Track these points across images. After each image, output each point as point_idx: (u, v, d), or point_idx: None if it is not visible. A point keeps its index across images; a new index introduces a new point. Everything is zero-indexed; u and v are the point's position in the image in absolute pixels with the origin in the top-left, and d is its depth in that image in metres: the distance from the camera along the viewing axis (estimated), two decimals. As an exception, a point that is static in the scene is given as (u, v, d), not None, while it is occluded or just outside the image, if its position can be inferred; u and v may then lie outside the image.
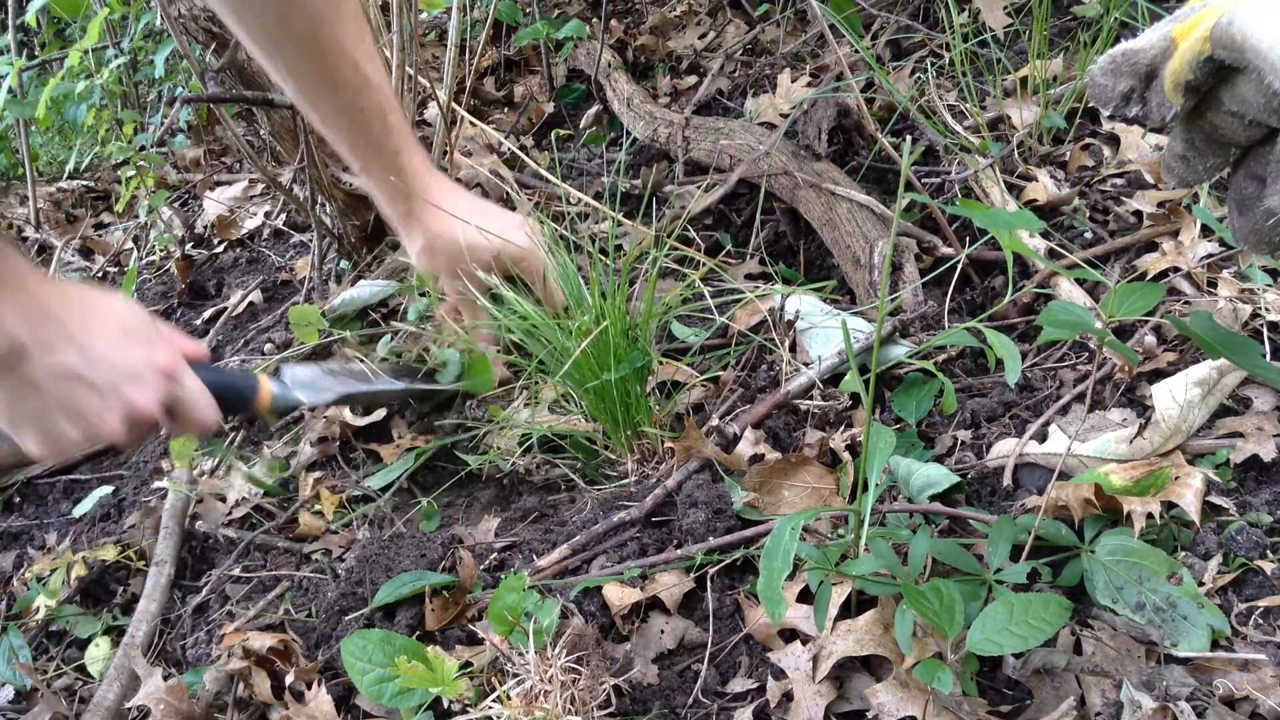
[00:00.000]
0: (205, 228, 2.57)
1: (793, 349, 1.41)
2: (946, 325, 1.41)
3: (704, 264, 1.61)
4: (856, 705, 0.94)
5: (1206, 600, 0.93)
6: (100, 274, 2.57)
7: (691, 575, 1.10)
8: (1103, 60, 0.68)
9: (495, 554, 1.21)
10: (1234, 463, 1.08)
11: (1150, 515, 1.00)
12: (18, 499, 1.73)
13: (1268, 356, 1.19)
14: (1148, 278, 1.35)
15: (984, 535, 1.06)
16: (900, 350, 1.36)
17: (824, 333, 1.41)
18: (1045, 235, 1.49)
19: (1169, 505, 1.02)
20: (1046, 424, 1.20)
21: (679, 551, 1.11)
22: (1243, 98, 0.61)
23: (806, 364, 1.38)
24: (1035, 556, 1.01)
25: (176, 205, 2.74)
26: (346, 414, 1.59)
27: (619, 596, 1.08)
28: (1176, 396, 1.10)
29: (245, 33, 1.19)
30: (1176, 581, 0.94)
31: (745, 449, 1.24)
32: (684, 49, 2.55)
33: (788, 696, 0.95)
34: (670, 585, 1.09)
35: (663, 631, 1.07)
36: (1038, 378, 1.29)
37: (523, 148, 2.28)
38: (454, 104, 2.07)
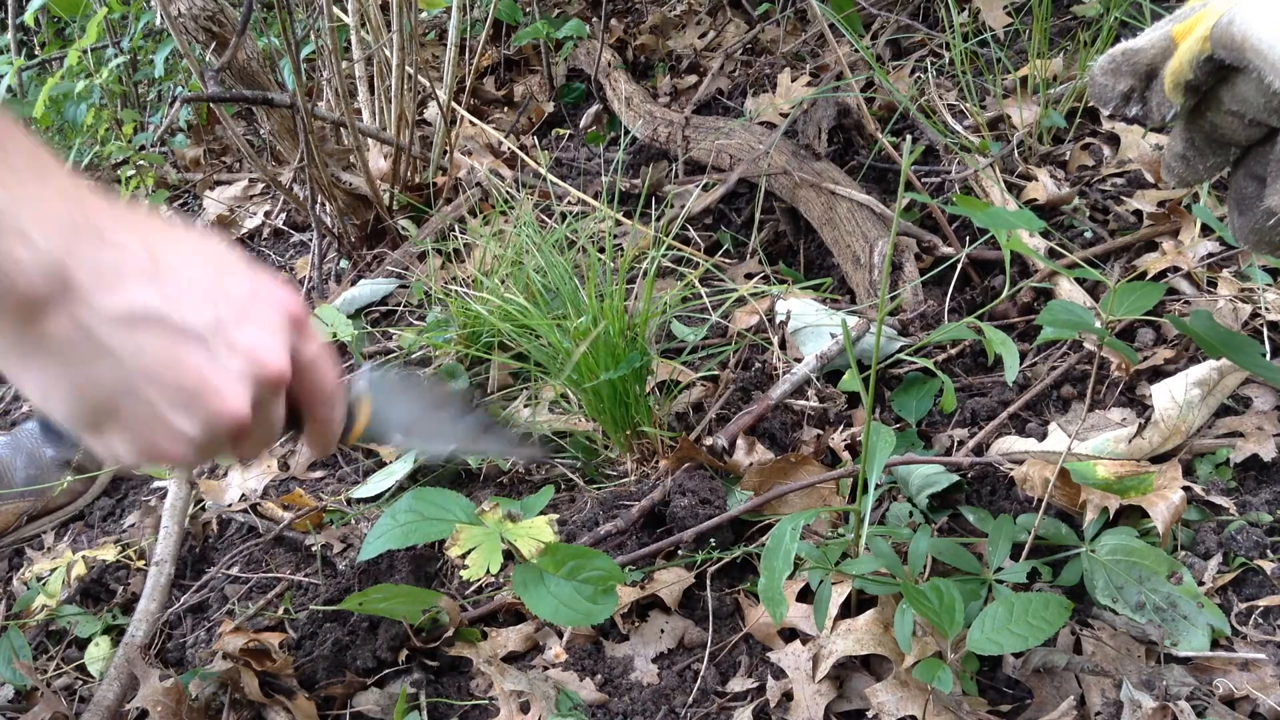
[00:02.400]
0: (205, 227, 2.57)
1: (783, 347, 1.42)
2: (946, 324, 1.41)
3: (703, 263, 1.61)
4: (856, 705, 0.94)
5: (1206, 600, 0.93)
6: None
7: (692, 573, 1.10)
8: (1103, 60, 0.67)
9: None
10: (1234, 462, 1.08)
11: (1121, 508, 1.00)
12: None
13: (1268, 356, 1.19)
14: (1148, 277, 1.35)
15: (984, 534, 1.06)
16: (892, 345, 1.36)
17: (814, 331, 1.41)
18: (1045, 235, 1.49)
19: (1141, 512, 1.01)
20: (1046, 422, 1.20)
21: (671, 540, 1.11)
22: (1243, 97, 0.61)
23: (798, 359, 1.38)
24: (1035, 556, 1.01)
25: (176, 205, 2.74)
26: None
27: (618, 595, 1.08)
28: (1176, 396, 1.10)
29: None
30: (1176, 581, 0.94)
31: (741, 457, 1.24)
32: (684, 48, 2.55)
33: (788, 696, 0.95)
34: (670, 583, 1.09)
35: (663, 631, 1.07)
36: (1038, 376, 1.29)
37: (523, 147, 2.28)
38: (454, 103, 2.07)
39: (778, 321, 1.43)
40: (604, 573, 0.90)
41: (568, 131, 2.39)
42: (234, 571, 1.35)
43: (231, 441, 0.58)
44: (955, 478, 1.12)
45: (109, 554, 1.41)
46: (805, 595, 1.04)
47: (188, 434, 0.55)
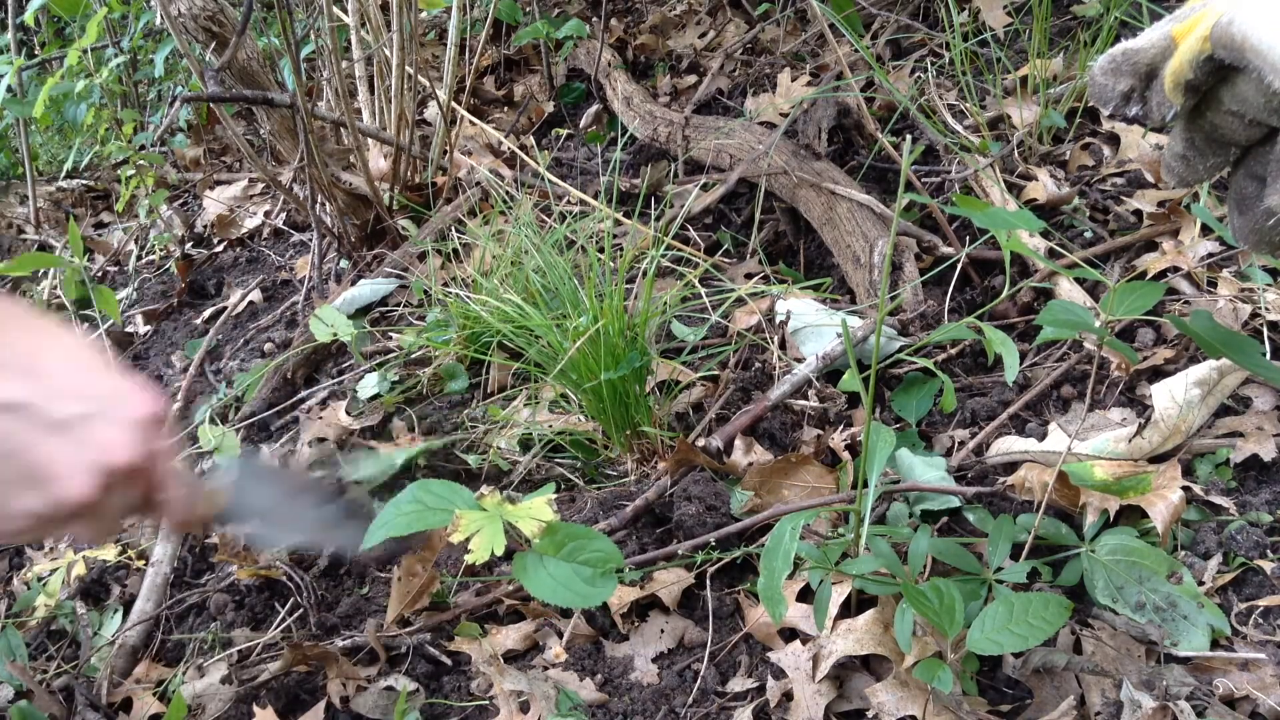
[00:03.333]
0: (205, 227, 2.57)
1: (783, 347, 1.42)
2: (946, 324, 1.41)
3: (703, 263, 1.61)
4: (856, 704, 0.94)
5: (1206, 600, 0.93)
6: (100, 274, 2.57)
7: (692, 573, 1.10)
8: (1103, 60, 0.67)
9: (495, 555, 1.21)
10: (1234, 462, 1.08)
11: (1121, 508, 1.00)
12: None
13: (1268, 356, 1.19)
14: (1148, 277, 1.35)
15: (984, 534, 1.06)
16: (892, 345, 1.36)
17: (814, 331, 1.41)
18: (1045, 234, 1.49)
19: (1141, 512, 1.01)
20: (1046, 422, 1.20)
21: (671, 548, 1.11)
22: (1243, 97, 0.61)
23: (798, 360, 1.38)
24: (1035, 556, 1.01)
25: (176, 205, 2.74)
26: (342, 414, 1.59)
27: (617, 596, 1.08)
28: (1176, 396, 1.10)
29: None
30: (1176, 581, 0.94)
31: (739, 457, 1.24)
32: (684, 48, 2.55)
33: (788, 696, 0.95)
34: (669, 583, 1.09)
35: (662, 631, 1.07)
36: (1038, 376, 1.29)
37: (523, 147, 2.28)
38: (454, 103, 2.07)
39: (778, 321, 1.43)
40: (603, 554, 0.90)
41: (567, 131, 2.39)
42: (232, 569, 1.35)
43: (76, 520, 0.65)
44: (954, 501, 1.12)
45: (109, 554, 1.41)
46: (805, 595, 1.04)
47: (31, 511, 0.63)
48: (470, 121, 2.30)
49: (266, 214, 2.48)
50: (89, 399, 0.65)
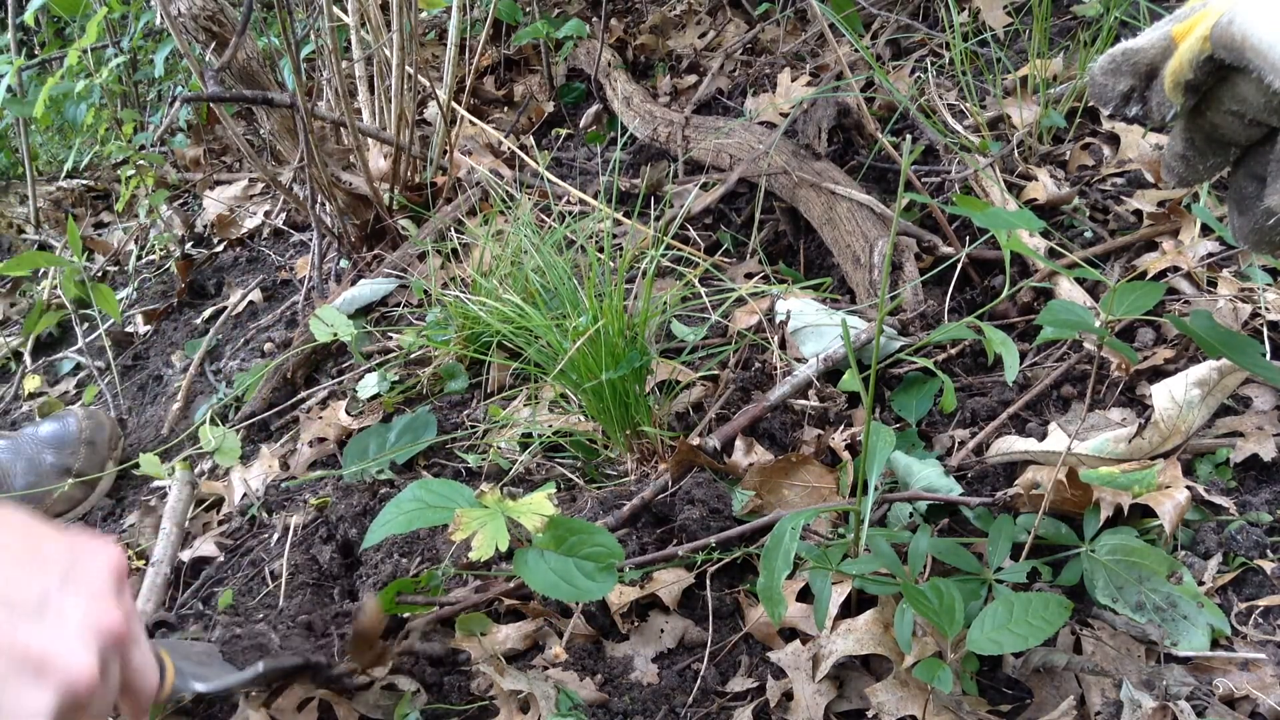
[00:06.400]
0: (205, 227, 2.57)
1: (783, 347, 1.42)
2: (946, 324, 1.41)
3: (703, 263, 1.61)
4: (856, 704, 0.94)
5: (1206, 599, 0.93)
6: (100, 274, 2.57)
7: (692, 573, 1.10)
8: (1103, 59, 0.68)
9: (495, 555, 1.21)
10: (1234, 462, 1.08)
11: (1120, 508, 1.00)
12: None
13: (1268, 356, 1.19)
14: (1148, 277, 1.35)
15: (984, 534, 1.06)
16: (892, 345, 1.36)
17: (814, 331, 1.41)
18: (1045, 234, 1.49)
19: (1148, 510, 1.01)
20: (1046, 422, 1.20)
21: (672, 549, 1.11)
22: (1243, 97, 0.61)
23: (798, 360, 1.38)
24: (1035, 556, 1.01)
25: (176, 205, 2.74)
26: (342, 414, 1.59)
27: (618, 595, 1.08)
28: (1176, 396, 1.10)
29: None
30: (1176, 581, 0.94)
31: (739, 457, 1.24)
32: (684, 48, 2.55)
33: (788, 696, 0.95)
34: (669, 583, 1.09)
35: (662, 630, 1.07)
36: (1038, 376, 1.29)
37: (523, 147, 2.28)
38: (454, 103, 2.07)
39: (778, 321, 1.43)
40: (604, 549, 0.90)
41: (567, 131, 2.39)
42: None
43: (83, 710, 0.57)
44: (954, 484, 1.12)
45: (109, 554, 1.41)
46: (805, 595, 1.04)
47: (45, 708, 0.54)
48: (470, 121, 2.30)
49: (266, 214, 2.48)
50: (48, 569, 0.58)
